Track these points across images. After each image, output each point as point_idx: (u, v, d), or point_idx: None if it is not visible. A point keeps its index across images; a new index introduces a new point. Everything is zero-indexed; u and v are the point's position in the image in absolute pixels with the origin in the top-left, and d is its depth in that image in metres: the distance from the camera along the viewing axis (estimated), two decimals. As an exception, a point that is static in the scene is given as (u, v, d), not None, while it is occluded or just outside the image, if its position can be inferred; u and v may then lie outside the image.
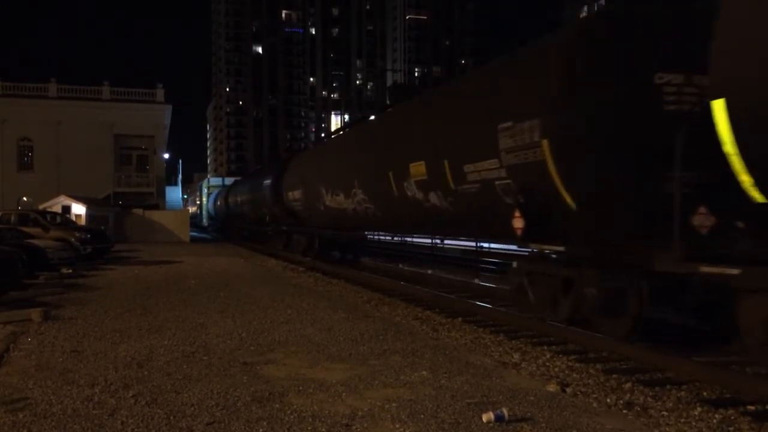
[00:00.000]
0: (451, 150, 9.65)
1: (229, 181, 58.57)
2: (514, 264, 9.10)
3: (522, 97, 7.88)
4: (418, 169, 10.84)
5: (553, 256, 8.21)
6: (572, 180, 7.04)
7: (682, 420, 4.80)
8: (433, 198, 10.50)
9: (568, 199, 7.05)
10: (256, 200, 29.22)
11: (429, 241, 23.77)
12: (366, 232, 21.11)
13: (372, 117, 17.00)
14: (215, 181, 74.21)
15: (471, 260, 19.45)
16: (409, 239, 29.34)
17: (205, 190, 69.40)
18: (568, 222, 7.38)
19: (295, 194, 21.32)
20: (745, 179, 5.34)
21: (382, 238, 30.92)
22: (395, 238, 30.63)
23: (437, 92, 12.88)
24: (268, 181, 26.04)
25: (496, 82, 8.98)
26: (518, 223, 7.84)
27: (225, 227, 46.01)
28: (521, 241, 8.35)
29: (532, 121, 7.41)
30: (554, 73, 7.25)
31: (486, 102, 8.88)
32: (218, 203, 46.34)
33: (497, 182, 8.38)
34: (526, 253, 9.44)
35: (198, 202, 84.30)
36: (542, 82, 7.49)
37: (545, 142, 7.18)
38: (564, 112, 6.98)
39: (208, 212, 58.72)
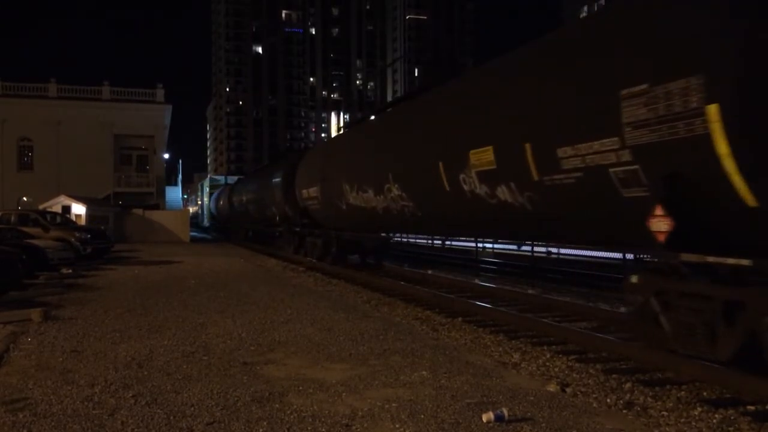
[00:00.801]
0: (537, 130, 7.60)
1: (232, 180, 56.16)
2: (634, 278, 6.75)
3: (669, 47, 5.65)
4: (482, 156, 8.84)
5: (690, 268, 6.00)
6: (755, 164, 5.03)
7: (682, 420, 4.80)
8: (503, 193, 8.54)
9: (745, 191, 5.10)
10: (263, 199, 27.10)
11: (463, 243, 21.89)
12: (393, 234, 19.37)
13: (407, 101, 13.78)
14: (217, 179, 71.92)
15: (537, 268, 16.37)
16: (435, 241, 26.18)
17: (206, 190, 67.34)
18: (743, 224, 5.46)
19: (311, 192, 19.11)
20: None
21: (412, 240, 28.61)
22: (427, 241, 27.53)
23: (514, 59, 9.13)
24: (277, 179, 24.03)
25: (618, 32, 6.50)
26: (661, 224, 5.79)
27: (228, 228, 44.30)
28: (664, 249, 6.00)
29: (687, 80, 5.36)
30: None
31: (599, 60, 6.60)
32: (221, 203, 44.20)
33: (613, 169, 6.35)
34: (650, 262, 7.08)
35: (199, 202, 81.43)
36: (710, 19, 5.32)
37: (713, 109, 5.12)
38: (754, 62, 4.90)
39: (209, 212, 56.46)
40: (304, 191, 19.97)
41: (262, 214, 28.22)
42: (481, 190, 9.06)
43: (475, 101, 9.57)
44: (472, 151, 9.06)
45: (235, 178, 56.21)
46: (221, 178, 70.14)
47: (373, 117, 17.50)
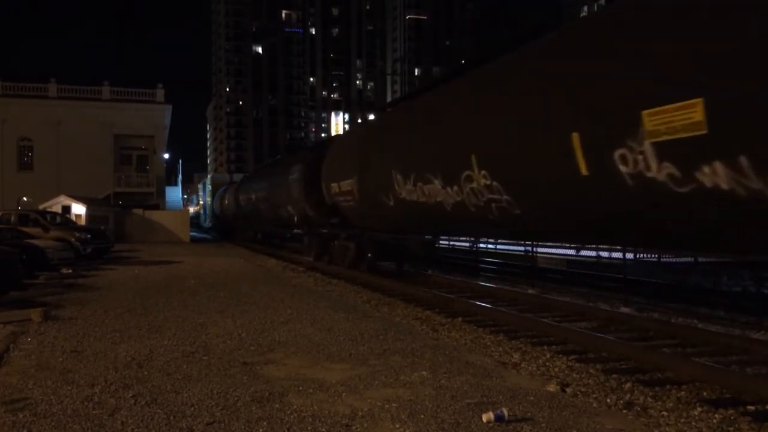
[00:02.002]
0: None
1: (237, 177, 51.26)
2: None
3: None
4: (674, 117, 5.61)
5: None
6: None
7: (682, 420, 4.80)
8: (714, 175, 5.38)
9: None
10: (277, 197, 23.53)
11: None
12: (439, 236, 16.40)
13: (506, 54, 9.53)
14: (221, 177, 66.99)
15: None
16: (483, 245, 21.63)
17: (208, 188, 62.94)
18: None
19: (343, 186, 15.62)
20: None
21: (457, 245, 23.68)
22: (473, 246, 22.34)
23: None
24: (295, 174, 20.36)
25: None
26: None
27: (234, 229, 40.99)
28: None
29: None
30: None
31: None
32: (225, 202, 40.77)
33: None
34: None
35: (201, 202, 76.25)
36: None
37: None
38: None
39: (212, 212, 52.56)
40: (334, 185, 16.46)
41: (275, 215, 24.89)
42: (662, 171, 5.89)
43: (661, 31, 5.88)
44: (647, 111, 5.90)
45: (241, 175, 51.87)
46: (225, 176, 66.34)
47: (437, 87, 11.94)
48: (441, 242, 22.03)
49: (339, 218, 16.98)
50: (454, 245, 24.12)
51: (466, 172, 9.43)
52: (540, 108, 7.59)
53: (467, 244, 23.15)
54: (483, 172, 9.06)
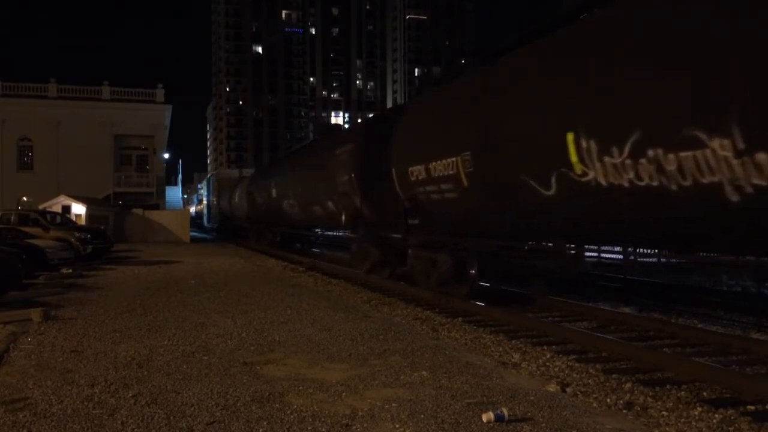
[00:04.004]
0: None
1: (247, 172, 46.23)
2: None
3: None
4: None
5: None
6: None
7: (682, 420, 4.80)
8: None
9: None
10: (310, 191, 18.71)
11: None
12: (584, 248, 11.09)
13: None
14: (226, 173, 61.26)
15: None
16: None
17: (213, 186, 55.50)
18: None
19: (435, 169, 10.58)
20: None
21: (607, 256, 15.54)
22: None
23: None
24: (343, 158, 15.27)
25: None
26: None
27: (244, 231, 36.55)
28: None
29: None
30: None
31: None
32: (235, 200, 36.70)
33: None
34: None
35: (205, 201, 70.04)
36: None
37: None
38: None
39: (219, 212, 47.42)
40: (415, 170, 11.38)
41: (306, 214, 19.87)
42: None
43: None
44: None
45: (251, 170, 46.74)
46: (233, 171, 60.41)
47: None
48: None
49: (420, 218, 11.95)
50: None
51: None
52: None
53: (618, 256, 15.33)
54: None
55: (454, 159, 9.87)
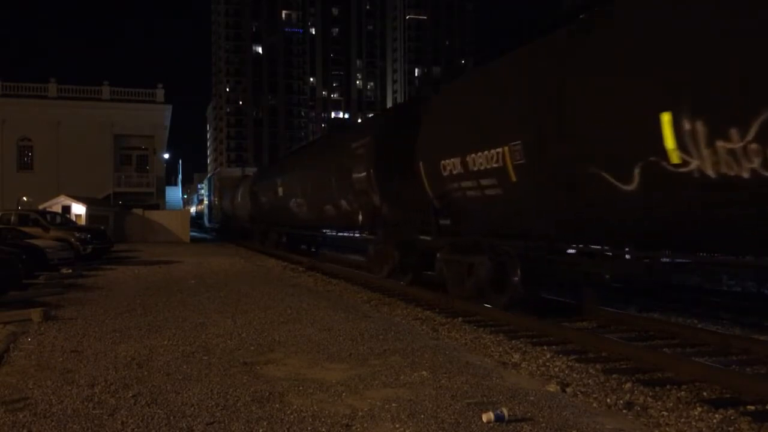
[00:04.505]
0: None
1: (250, 171, 44.94)
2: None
3: None
4: None
5: None
6: None
7: (682, 420, 4.80)
8: None
9: None
10: (323, 189, 17.28)
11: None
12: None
13: None
14: (228, 172, 59.27)
15: None
16: None
17: (214, 185, 53.35)
18: None
19: (475, 161, 9.29)
20: None
21: None
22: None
23: None
24: (360, 152, 14.09)
25: None
26: None
27: (247, 231, 34.92)
28: None
29: None
30: None
31: None
32: (237, 199, 35.47)
33: None
34: None
35: (206, 201, 68.06)
36: None
37: None
38: None
39: (221, 212, 46.29)
40: (449, 163, 10.08)
41: (318, 212, 18.58)
42: None
43: None
44: None
45: (254, 169, 45.78)
46: (235, 170, 58.77)
47: None
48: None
49: (453, 217, 10.78)
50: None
51: None
52: None
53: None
54: None
55: (499, 150, 8.56)
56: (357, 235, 17.74)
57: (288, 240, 26.64)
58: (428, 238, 11.60)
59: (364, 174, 13.70)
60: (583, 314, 9.65)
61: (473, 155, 9.28)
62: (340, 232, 20.69)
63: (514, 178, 8.42)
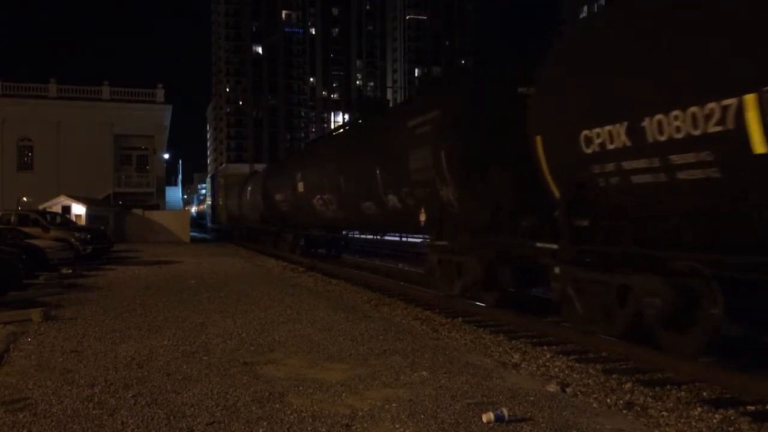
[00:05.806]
0: None
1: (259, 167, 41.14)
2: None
3: None
4: None
5: None
6: None
7: (682, 420, 4.80)
8: None
9: None
10: (361, 181, 14.67)
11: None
12: None
13: None
14: (235, 169, 55.34)
15: None
16: None
17: (218, 183, 50.33)
18: None
19: (663, 123, 5.79)
20: None
21: None
22: None
23: None
24: (426, 127, 11.03)
25: None
26: None
27: (258, 234, 31.78)
28: None
29: None
30: None
31: None
32: (246, 198, 32.58)
33: None
34: None
35: (208, 201, 64.15)
36: None
37: None
38: None
39: (226, 213, 43.42)
40: (603, 133, 6.68)
41: (353, 211, 15.83)
42: None
43: None
44: None
45: (262, 166, 42.07)
46: (242, 167, 54.04)
47: None
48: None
49: (596, 216, 7.31)
50: None
51: None
52: None
53: None
54: None
55: (730, 102, 5.10)
56: (403, 238, 14.45)
57: (307, 243, 23.13)
58: (552, 246, 7.99)
59: (430, 159, 10.64)
60: None
61: (657, 117, 5.92)
62: (385, 235, 17.45)
63: (761, 148, 4.96)
